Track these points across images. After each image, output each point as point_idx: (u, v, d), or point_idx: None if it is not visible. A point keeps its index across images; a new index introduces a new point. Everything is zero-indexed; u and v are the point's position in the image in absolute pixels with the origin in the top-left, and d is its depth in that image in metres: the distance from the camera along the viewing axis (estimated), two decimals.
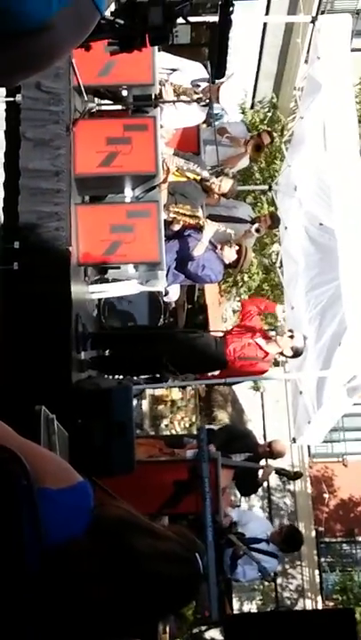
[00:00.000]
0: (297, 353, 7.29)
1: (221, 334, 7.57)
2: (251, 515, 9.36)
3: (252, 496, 14.36)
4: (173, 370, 6.86)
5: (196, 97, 7.14)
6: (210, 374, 7.63)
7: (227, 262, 7.33)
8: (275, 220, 8.71)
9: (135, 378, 8.36)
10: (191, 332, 7.56)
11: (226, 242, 7.33)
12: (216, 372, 7.58)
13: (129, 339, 7.45)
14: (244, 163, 8.95)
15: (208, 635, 12.54)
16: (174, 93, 7.00)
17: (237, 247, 7.30)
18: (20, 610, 1.60)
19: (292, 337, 7.20)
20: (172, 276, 7.21)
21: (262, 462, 7.74)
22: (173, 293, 8.31)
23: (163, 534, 1.73)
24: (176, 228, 7.07)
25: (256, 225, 8.14)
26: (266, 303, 8.26)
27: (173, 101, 7.01)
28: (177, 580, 1.71)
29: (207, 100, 7.12)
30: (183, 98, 7.06)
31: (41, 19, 1.84)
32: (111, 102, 7.02)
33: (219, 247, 7.28)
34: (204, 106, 7.31)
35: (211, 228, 7.05)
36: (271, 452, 7.70)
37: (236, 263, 7.36)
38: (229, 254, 7.27)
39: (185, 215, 7.05)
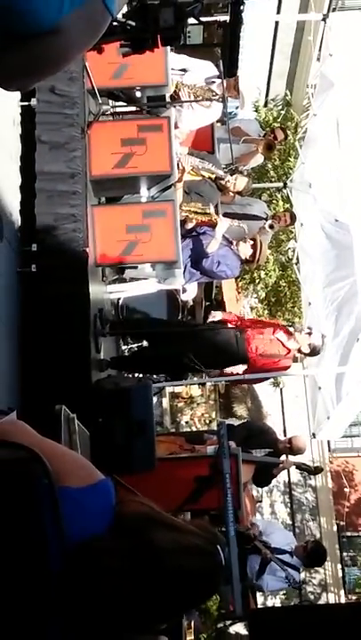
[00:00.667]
0: (314, 351, 7.27)
1: (240, 329, 7.50)
2: (275, 526, 9.41)
3: (275, 492, 14.41)
4: (199, 365, 6.85)
5: (211, 95, 7.17)
6: (233, 371, 7.58)
7: (243, 257, 7.36)
8: (293, 218, 8.73)
9: (155, 376, 8.40)
10: (210, 327, 7.52)
11: (241, 238, 7.36)
12: (239, 369, 7.51)
13: (148, 335, 7.44)
14: (258, 160, 8.97)
15: (232, 629, 12.58)
16: (192, 96, 7.02)
17: (252, 242, 7.31)
18: (45, 608, 1.64)
19: (309, 334, 7.19)
20: (188, 274, 7.23)
21: (282, 458, 7.76)
22: (191, 291, 8.34)
23: (184, 528, 1.76)
24: (189, 226, 7.10)
25: (270, 221, 8.15)
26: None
27: (189, 101, 7.04)
28: (199, 574, 1.73)
29: (221, 98, 7.14)
30: (199, 99, 7.08)
31: (52, 21, 1.85)
32: (125, 104, 7.06)
33: (234, 243, 7.31)
34: (218, 102, 7.33)
35: (223, 225, 7.08)
36: (291, 447, 7.70)
37: (253, 258, 7.37)
38: (245, 249, 7.29)
39: (196, 213, 7.08)
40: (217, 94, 7.18)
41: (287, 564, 7.29)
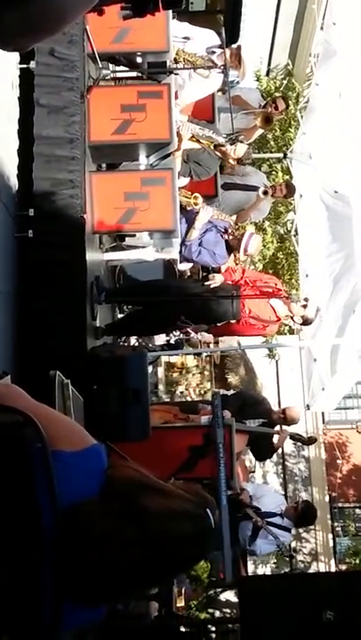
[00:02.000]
0: (306, 322, 7.24)
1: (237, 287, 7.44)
2: (265, 489, 9.46)
3: (268, 462, 14.49)
4: (189, 323, 6.82)
5: (212, 64, 7.09)
6: (220, 327, 7.55)
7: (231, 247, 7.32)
8: (290, 189, 8.65)
9: (150, 345, 8.39)
10: (209, 288, 7.47)
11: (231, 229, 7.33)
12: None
13: (141, 290, 7.37)
14: (259, 132, 8.89)
15: (223, 597, 12.75)
16: (189, 63, 6.94)
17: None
18: (37, 569, 1.65)
19: (305, 306, 7.15)
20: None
21: (276, 428, 7.80)
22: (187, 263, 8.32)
23: (174, 493, 1.77)
24: None
25: (262, 188, 8.08)
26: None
27: (189, 68, 6.96)
28: (188, 537, 1.74)
29: (223, 67, 7.07)
30: (199, 68, 7.01)
31: None
32: (126, 69, 6.99)
33: (229, 233, 7.27)
34: (220, 73, 7.26)
35: (205, 215, 7.05)
36: (285, 418, 7.73)
37: (238, 246, 7.27)
38: (233, 243, 7.26)
39: (183, 197, 7.05)
40: (217, 65, 7.10)
41: (278, 526, 7.35)
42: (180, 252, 7.21)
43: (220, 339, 10.03)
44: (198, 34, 7.32)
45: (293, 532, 8.34)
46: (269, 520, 7.35)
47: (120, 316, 8.08)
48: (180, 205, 6.69)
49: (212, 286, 7.01)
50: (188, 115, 7.54)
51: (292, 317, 7.24)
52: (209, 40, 7.25)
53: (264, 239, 11.74)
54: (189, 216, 7.14)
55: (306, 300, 7.31)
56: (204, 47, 7.21)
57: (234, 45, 7.11)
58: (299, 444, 10.74)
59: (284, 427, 7.76)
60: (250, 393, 10.75)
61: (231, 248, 7.31)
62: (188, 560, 1.85)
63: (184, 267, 8.21)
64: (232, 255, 7.45)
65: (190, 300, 6.99)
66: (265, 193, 8.02)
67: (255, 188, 8.13)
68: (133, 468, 1.80)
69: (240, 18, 5.10)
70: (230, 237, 7.28)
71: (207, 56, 7.16)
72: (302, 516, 7.83)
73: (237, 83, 8.51)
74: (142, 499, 1.71)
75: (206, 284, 7.04)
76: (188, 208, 7.11)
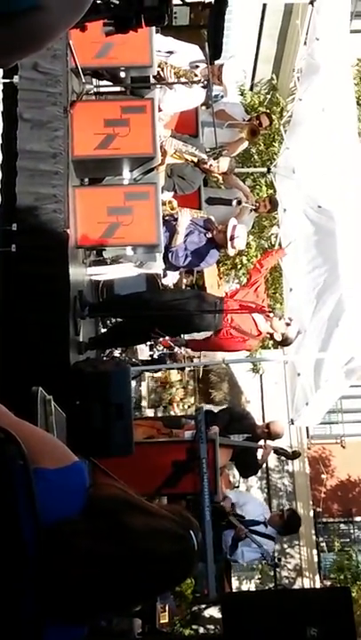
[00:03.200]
0: (286, 342, 7.25)
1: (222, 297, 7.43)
2: (248, 496, 9.44)
3: (252, 477, 14.47)
4: (160, 333, 6.82)
5: (195, 79, 7.11)
6: (200, 342, 7.53)
7: (220, 244, 7.32)
8: (274, 204, 8.69)
9: (134, 360, 8.36)
10: (195, 294, 7.44)
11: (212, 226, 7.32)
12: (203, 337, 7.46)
13: (123, 305, 7.35)
14: (243, 146, 8.93)
15: (207, 613, 12.67)
16: (174, 76, 6.96)
17: (221, 226, 7.25)
18: (18, 590, 1.62)
19: (288, 325, 7.14)
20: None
21: (260, 443, 7.79)
22: (172, 276, 8.32)
23: (157, 512, 1.75)
24: None
25: (235, 199, 8.09)
26: (267, 260, 8.07)
27: (172, 83, 6.98)
28: (171, 558, 1.72)
29: (206, 82, 7.09)
30: (183, 80, 7.03)
31: None
32: (110, 84, 6.99)
33: (212, 231, 7.26)
34: (203, 87, 7.29)
35: (185, 218, 7.06)
36: (269, 432, 7.74)
37: (225, 242, 7.26)
38: (219, 238, 7.24)
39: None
40: (201, 78, 7.13)
41: (262, 534, 7.33)
42: (168, 259, 7.21)
43: (203, 353, 10.03)
44: (182, 48, 7.35)
45: (277, 541, 8.32)
46: (253, 528, 7.33)
47: (103, 330, 8.06)
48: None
49: None
50: (172, 129, 7.55)
51: (272, 335, 7.23)
52: (193, 55, 7.28)
53: (248, 253, 11.75)
54: (169, 226, 7.14)
55: (290, 319, 7.29)
56: (187, 61, 7.24)
57: (217, 63, 7.15)
58: (283, 458, 10.72)
59: (268, 441, 7.76)
60: (236, 408, 10.75)
61: (218, 244, 7.30)
62: (170, 580, 1.84)
63: (168, 280, 8.21)
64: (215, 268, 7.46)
65: (172, 313, 6.99)
66: (239, 203, 8.04)
67: (239, 202, 8.15)
68: (117, 486, 1.78)
69: (223, 33, 5.11)
70: (214, 233, 7.25)
71: (191, 70, 7.18)
72: (288, 523, 7.83)
73: (222, 97, 8.55)
74: (125, 517, 1.69)
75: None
76: (167, 217, 7.10)
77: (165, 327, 6.87)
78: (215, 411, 8.51)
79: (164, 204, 7.07)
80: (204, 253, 7.30)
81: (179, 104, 7.41)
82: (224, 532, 7.30)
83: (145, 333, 7.05)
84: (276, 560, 8.45)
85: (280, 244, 9.47)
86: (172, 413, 12.73)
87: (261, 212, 8.69)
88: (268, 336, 7.41)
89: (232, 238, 7.12)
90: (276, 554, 9.81)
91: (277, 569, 10.73)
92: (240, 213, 8.14)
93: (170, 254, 7.17)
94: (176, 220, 7.11)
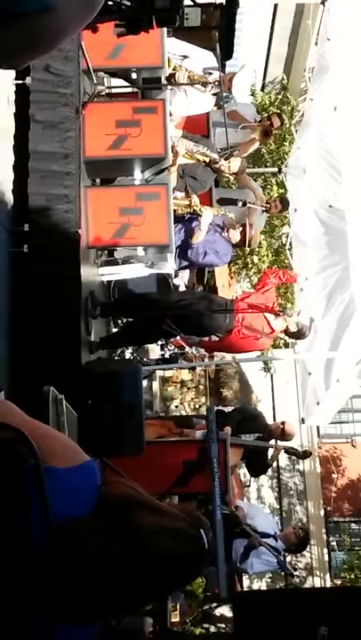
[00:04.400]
0: (301, 331, 7.18)
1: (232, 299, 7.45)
2: (258, 509, 9.48)
3: (262, 476, 14.46)
4: (175, 329, 6.80)
5: (207, 84, 7.14)
6: (213, 342, 7.53)
7: (233, 243, 7.37)
8: (284, 204, 8.69)
9: (145, 359, 8.38)
10: (204, 296, 7.45)
11: (230, 225, 7.35)
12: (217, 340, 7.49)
13: (134, 304, 7.37)
14: (255, 147, 8.92)
15: (218, 612, 12.67)
16: (188, 79, 6.98)
17: (241, 228, 7.30)
18: (29, 589, 1.64)
19: (298, 315, 7.14)
20: (177, 262, 7.25)
21: (271, 442, 7.79)
22: (183, 275, 8.33)
23: (168, 512, 1.77)
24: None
25: (242, 200, 8.12)
26: (288, 275, 8.07)
27: (183, 84, 6.99)
28: (181, 557, 1.74)
29: (217, 90, 7.14)
30: (196, 85, 7.05)
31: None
32: (124, 84, 7.01)
33: (226, 229, 7.30)
34: (214, 94, 7.32)
35: (208, 215, 7.08)
36: (283, 432, 7.74)
37: (243, 242, 7.36)
38: (235, 236, 7.30)
39: (179, 205, 7.08)
40: (213, 84, 7.16)
41: (271, 547, 7.35)
42: (186, 256, 7.24)
43: (214, 353, 10.04)
44: (197, 53, 7.36)
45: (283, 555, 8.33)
46: (263, 540, 7.34)
47: (114, 330, 8.08)
48: (175, 214, 6.69)
49: None
50: (183, 130, 7.56)
51: (287, 328, 7.18)
52: (206, 61, 7.29)
53: (259, 252, 11.77)
54: (187, 225, 7.16)
55: (299, 312, 7.29)
56: (201, 67, 7.26)
57: (228, 73, 7.17)
58: (294, 457, 10.71)
59: (279, 442, 7.76)
60: (248, 407, 10.75)
61: (233, 243, 7.37)
62: (180, 579, 1.85)
63: (179, 281, 8.23)
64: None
65: (182, 312, 6.99)
66: (244, 204, 8.05)
67: (244, 204, 8.15)
68: (128, 485, 1.80)
69: (234, 34, 5.12)
70: (228, 233, 7.29)
71: (204, 76, 7.21)
72: (300, 544, 8.00)
73: (233, 98, 8.55)
74: (136, 516, 1.70)
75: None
76: (187, 216, 7.12)
77: (176, 327, 6.87)
78: (226, 410, 8.52)
79: (185, 205, 7.11)
80: (219, 251, 7.34)
81: (187, 108, 7.44)
82: (235, 541, 7.31)
83: (156, 332, 7.05)
84: (292, 570, 8.50)
85: (290, 244, 9.48)
86: (183, 413, 12.74)
87: (272, 211, 8.69)
88: (282, 333, 7.38)
89: (250, 242, 7.24)
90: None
91: (293, 575, 10.74)
92: (249, 214, 8.14)
93: (190, 251, 7.19)
94: (197, 218, 7.13)
